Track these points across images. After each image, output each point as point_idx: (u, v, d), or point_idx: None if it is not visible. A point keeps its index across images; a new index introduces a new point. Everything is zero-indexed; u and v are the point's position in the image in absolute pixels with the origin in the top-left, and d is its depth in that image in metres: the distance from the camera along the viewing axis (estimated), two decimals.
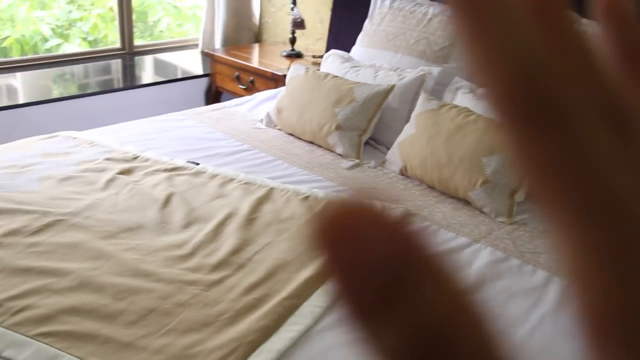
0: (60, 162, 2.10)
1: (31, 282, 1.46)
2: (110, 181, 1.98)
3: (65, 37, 5.67)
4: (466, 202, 1.98)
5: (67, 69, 3.71)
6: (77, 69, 3.72)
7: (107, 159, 2.13)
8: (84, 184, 1.97)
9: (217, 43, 3.96)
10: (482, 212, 1.93)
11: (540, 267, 1.65)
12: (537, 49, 0.15)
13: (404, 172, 2.17)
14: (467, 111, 2.09)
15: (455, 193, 1.99)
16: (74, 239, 1.65)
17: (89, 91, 3.37)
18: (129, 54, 3.95)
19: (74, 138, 2.31)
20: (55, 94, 3.33)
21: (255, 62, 3.43)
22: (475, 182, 1.92)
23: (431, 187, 2.08)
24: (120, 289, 1.46)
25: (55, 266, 1.52)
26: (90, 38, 5.69)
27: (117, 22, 3.93)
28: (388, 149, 2.35)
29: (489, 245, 1.74)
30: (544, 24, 0.16)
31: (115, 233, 1.70)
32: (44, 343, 1.27)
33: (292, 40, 3.53)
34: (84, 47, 5.48)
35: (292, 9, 3.44)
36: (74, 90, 3.38)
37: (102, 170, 2.05)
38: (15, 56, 4.05)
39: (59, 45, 5.53)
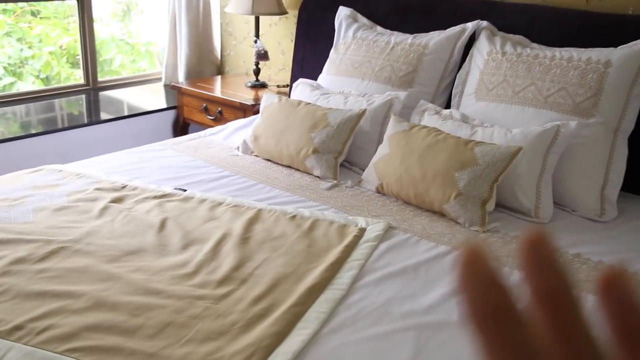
0: (51, 193, 2.17)
1: (48, 305, 1.54)
2: (104, 209, 2.06)
3: (18, 75, 5.69)
4: (442, 214, 2.13)
5: (31, 106, 3.75)
6: (40, 106, 3.76)
7: (97, 189, 2.21)
8: (79, 213, 2.04)
9: (181, 76, 4.06)
10: (457, 222, 2.09)
11: (517, 268, 1.80)
12: None
13: (380, 190, 2.31)
14: (436, 131, 2.26)
15: (431, 206, 2.15)
16: (80, 264, 1.73)
17: (58, 127, 3.41)
18: (93, 89, 4.01)
19: (60, 171, 2.38)
20: (22, 131, 3.37)
21: (220, 94, 3.55)
22: (449, 195, 2.08)
23: (407, 202, 2.23)
24: (134, 306, 1.54)
25: (68, 289, 1.60)
26: (43, 76, 5.72)
27: (80, 59, 3.99)
28: (362, 169, 2.50)
29: None
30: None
31: (118, 257, 1.78)
32: (73, 357, 1.35)
33: (257, 72, 3.66)
34: (38, 85, 5.50)
35: (256, 42, 3.58)
36: (41, 128, 3.42)
37: (94, 200, 2.13)
38: None
39: (12, 83, 5.55)
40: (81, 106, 3.86)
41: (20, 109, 3.70)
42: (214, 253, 1.82)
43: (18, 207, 2.05)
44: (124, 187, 2.25)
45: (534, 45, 2.47)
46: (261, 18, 3.68)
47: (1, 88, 5.34)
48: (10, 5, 5.23)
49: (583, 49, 2.32)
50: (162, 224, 1.98)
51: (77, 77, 5.69)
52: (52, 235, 1.87)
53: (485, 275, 0.26)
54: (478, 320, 0.26)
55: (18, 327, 1.44)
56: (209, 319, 1.51)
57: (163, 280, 1.67)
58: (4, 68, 5.48)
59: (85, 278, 1.66)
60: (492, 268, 0.26)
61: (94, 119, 3.56)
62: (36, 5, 5.55)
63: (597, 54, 2.26)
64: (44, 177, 2.32)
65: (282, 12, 3.53)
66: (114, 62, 5.93)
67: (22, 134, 3.27)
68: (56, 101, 3.85)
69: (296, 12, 3.49)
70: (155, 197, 2.18)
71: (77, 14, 3.96)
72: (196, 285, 1.66)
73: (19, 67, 5.59)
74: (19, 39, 5.79)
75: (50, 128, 3.38)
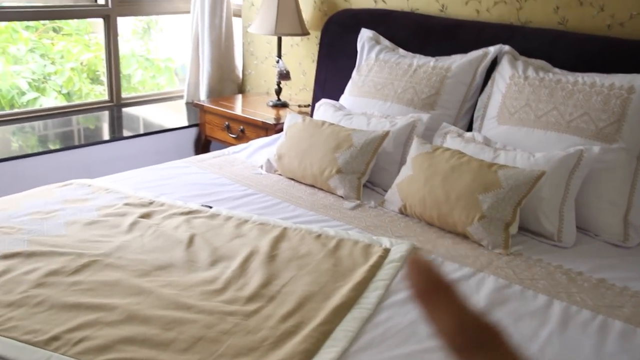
0: (81, 207, 2.21)
1: (82, 317, 1.57)
2: (134, 224, 2.10)
3: (41, 91, 5.78)
4: (465, 237, 2.16)
5: (55, 121, 3.81)
6: (64, 121, 3.83)
7: (126, 204, 2.26)
8: (109, 227, 2.09)
9: (202, 94, 4.12)
10: (480, 245, 2.11)
11: (540, 291, 1.83)
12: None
13: (403, 211, 2.34)
14: (460, 153, 2.29)
15: (454, 228, 2.17)
16: (112, 278, 1.76)
17: (82, 142, 3.47)
18: (116, 105, 4.07)
19: (89, 185, 2.43)
20: (47, 146, 3.43)
21: (242, 112, 3.60)
22: (472, 217, 2.11)
23: (430, 224, 2.26)
24: (166, 320, 1.58)
25: (101, 302, 1.64)
26: (65, 91, 5.81)
27: (105, 76, 4.05)
28: (384, 190, 2.53)
29: (491, 274, 1.92)
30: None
31: (148, 271, 1.82)
32: None
33: (278, 91, 3.71)
34: (61, 100, 5.59)
35: (278, 62, 3.64)
36: (65, 143, 3.48)
37: (123, 215, 2.17)
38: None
39: (35, 98, 5.64)
40: (105, 122, 3.92)
41: (45, 124, 3.77)
42: (242, 270, 1.86)
43: (50, 220, 2.10)
44: (151, 202, 2.30)
45: (556, 70, 2.51)
46: (283, 38, 3.74)
47: (25, 103, 5.44)
48: (33, 22, 5.32)
49: (606, 75, 2.35)
50: (190, 240, 2.02)
51: (97, 92, 5.78)
52: (84, 248, 1.91)
53: (426, 269, 0.40)
54: (419, 296, 0.39)
55: (55, 338, 1.48)
56: (239, 334, 1.54)
57: (193, 296, 1.70)
58: (28, 83, 5.58)
59: (117, 291, 1.70)
60: (433, 266, 0.40)
61: (117, 135, 3.62)
62: (58, 22, 5.65)
63: (620, 79, 2.29)
64: (73, 191, 2.37)
65: (305, 33, 3.58)
66: (133, 77, 6.03)
67: (47, 149, 3.32)
68: (80, 117, 3.91)
69: (318, 34, 3.55)
70: (182, 214, 2.22)
71: (102, 32, 4.02)
72: (225, 301, 1.69)
73: (43, 83, 5.69)
74: (42, 55, 5.89)
75: (74, 144, 3.44)
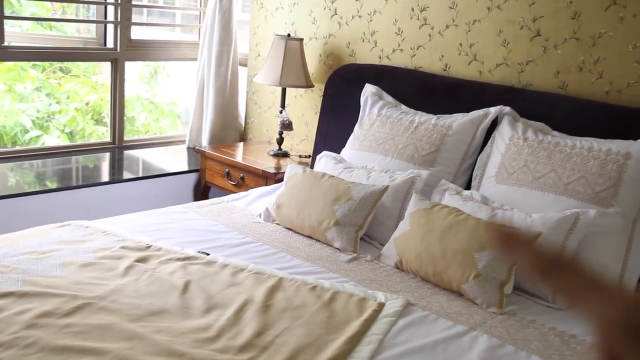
0: (77, 249, 2.22)
1: None
2: (129, 268, 2.11)
3: (44, 129, 5.84)
4: (459, 294, 2.16)
5: (56, 160, 3.84)
6: (65, 161, 3.85)
7: (123, 247, 2.26)
8: (104, 270, 2.09)
9: (204, 140, 4.16)
10: (474, 303, 2.11)
11: (533, 353, 1.82)
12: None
13: (399, 266, 2.35)
14: (457, 211, 2.31)
15: (449, 285, 2.17)
16: (105, 321, 1.76)
17: (82, 183, 3.49)
18: (118, 147, 4.11)
19: (87, 227, 2.44)
20: (47, 185, 3.45)
21: (243, 160, 3.63)
22: (468, 275, 2.11)
23: (426, 280, 2.26)
24: None
25: (93, 345, 1.63)
26: (68, 130, 5.87)
27: (109, 118, 4.10)
28: (381, 244, 2.54)
29: (484, 333, 1.91)
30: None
31: (142, 316, 1.81)
32: None
33: (280, 141, 3.75)
34: (63, 139, 5.64)
35: (281, 112, 3.69)
36: (65, 183, 3.50)
37: (119, 258, 2.18)
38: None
39: (38, 136, 5.69)
40: (106, 164, 3.95)
41: (46, 162, 3.79)
42: (236, 319, 1.85)
43: (45, 260, 2.10)
44: (148, 247, 2.30)
45: (555, 133, 2.55)
46: (287, 89, 3.80)
47: (28, 140, 5.48)
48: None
49: (603, 140, 2.38)
50: (186, 287, 2.02)
51: (100, 133, 5.83)
52: (78, 290, 1.91)
53: (524, 244, 0.51)
54: (540, 275, 0.48)
55: None
56: None
57: (186, 343, 1.69)
58: (32, 121, 5.63)
59: (109, 335, 1.69)
60: (524, 237, 0.51)
61: (117, 177, 3.64)
62: (68, 63, 5.74)
63: (617, 145, 2.32)
64: (71, 232, 2.38)
65: (309, 85, 3.64)
66: (137, 120, 6.09)
67: (47, 188, 3.34)
68: (82, 157, 3.94)
69: (322, 86, 3.61)
70: (179, 259, 2.22)
71: (109, 73, 4.08)
72: (218, 350, 1.68)
73: (47, 121, 5.75)
74: (48, 94, 5.97)
75: (75, 184, 3.46)
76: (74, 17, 5.73)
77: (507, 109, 2.71)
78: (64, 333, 1.69)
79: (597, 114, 2.54)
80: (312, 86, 3.70)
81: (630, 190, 2.24)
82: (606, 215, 2.21)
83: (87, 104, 6.01)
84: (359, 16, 3.54)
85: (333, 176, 2.68)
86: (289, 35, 3.70)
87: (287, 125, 3.66)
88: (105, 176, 3.76)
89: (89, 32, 5.32)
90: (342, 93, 3.34)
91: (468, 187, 2.69)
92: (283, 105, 3.74)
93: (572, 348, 1.87)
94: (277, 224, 2.70)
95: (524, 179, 2.44)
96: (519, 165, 2.48)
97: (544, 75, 2.84)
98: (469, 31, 3.08)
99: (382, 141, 2.87)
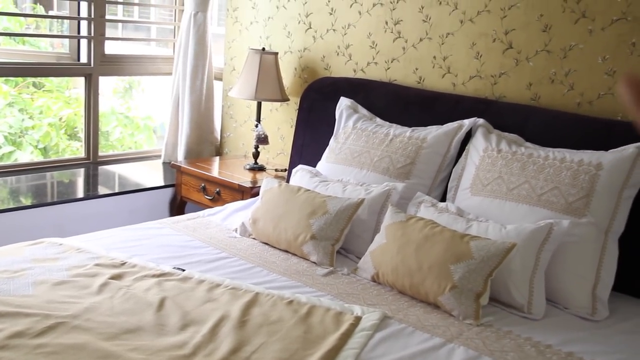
0: (50, 267, 2.19)
1: None
2: (104, 285, 2.08)
3: (17, 145, 5.77)
4: (436, 306, 2.16)
5: (30, 177, 3.79)
6: (39, 177, 3.81)
7: (97, 265, 2.23)
8: (78, 288, 2.06)
9: (180, 155, 4.14)
10: (451, 315, 2.11)
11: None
12: None
13: (375, 279, 2.35)
14: (433, 223, 2.32)
15: (425, 298, 2.18)
16: (78, 340, 1.73)
17: (56, 199, 3.45)
18: (93, 163, 4.07)
19: (60, 244, 2.41)
20: (20, 202, 3.41)
21: (219, 175, 3.62)
22: (444, 287, 2.12)
23: (402, 293, 2.26)
24: None
25: None
26: (41, 146, 5.81)
27: (83, 134, 4.07)
28: (358, 257, 2.54)
29: (461, 344, 1.92)
30: None
31: (116, 334, 1.79)
32: None
33: (256, 155, 3.75)
34: (37, 155, 5.58)
35: (256, 126, 3.68)
36: (39, 199, 3.46)
37: (93, 275, 2.15)
38: None
39: (11, 152, 5.62)
40: (81, 179, 3.91)
41: (20, 179, 3.74)
42: (212, 335, 1.84)
43: (18, 279, 2.07)
44: (123, 263, 2.28)
45: (528, 144, 2.57)
46: (263, 103, 3.80)
47: (1, 157, 5.41)
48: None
49: (575, 151, 2.41)
50: (161, 303, 2.00)
51: (74, 148, 5.78)
52: (51, 309, 1.88)
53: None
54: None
55: None
56: None
57: None
58: (5, 137, 5.56)
59: (83, 355, 1.67)
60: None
61: (92, 193, 3.60)
62: (41, 78, 5.68)
63: (588, 156, 2.35)
64: (44, 250, 2.35)
65: (284, 99, 3.65)
66: (112, 134, 6.05)
67: (20, 205, 3.30)
68: (56, 173, 3.90)
69: (297, 100, 3.61)
70: (154, 276, 2.20)
71: (83, 87, 4.05)
72: None
73: (19, 137, 5.68)
74: (20, 110, 5.90)
75: (49, 200, 3.42)
76: (47, 32, 5.68)
77: (481, 121, 2.73)
78: (36, 354, 1.66)
79: (569, 125, 2.57)
80: (288, 100, 3.70)
81: (602, 200, 2.26)
82: (579, 226, 2.24)
83: (60, 119, 5.95)
84: (334, 30, 3.56)
85: (309, 190, 2.68)
86: (263, 49, 3.71)
87: (262, 139, 3.66)
88: (80, 192, 3.72)
89: (63, 46, 5.29)
90: (317, 106, 3.35)
91: (443, 199, 2.71)
92: (259, 119, 3.74)
93: (548, 358, 1.88)
94: (254, 238, 2.69)
95: (498, 190, 2.46)
96: (493, 177, 2.50)
97: (516, 87, 2.87)
98: (443, 44, 3.11)
99: (358, 154, 2.88)
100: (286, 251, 2.58)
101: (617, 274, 2.26)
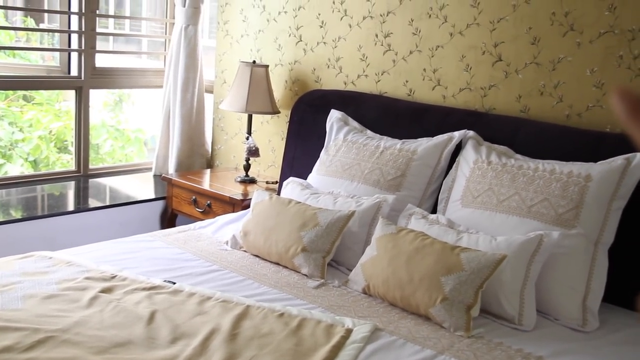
0: (40, 281, 2.18)
1: None
2: (94, 299, 2.07)
3: (7, 158, 5.75)
4: (427, 318, 2.16)
5: (20, 190, 3.78)
6: (29, 190, 3.80)
7: (87, 278, 2.22)
8: (68, 302, 2.05)
9: (171, 168, 4.14)
10: (442, 326, 2.11)
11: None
12: None
13: (366, 291, 2.35)
14: (423, 235, 2.32)
15: (416, 310, 2.18)
16: (68, 355, 1.72)
17: (46, 213, 3.44)
18: (83, 176, 4.06)
19: (50, 258, 2.39)
20: (10, 215, 3.39)
21: (210, 187, 3.61)
22: (435, 299, 2.12)
23: (393, 305, 2.26)
24: None
25: None
26: (32, 159, 5.78)
27: (73, 147, 4.06)
28: (349, 269, 2.54)
29: (452, 356, 1.91)
30: None
31: (106, 348, 1.78)
32: None
33: (247, 167, 3.75)
34: (27, 168, 5.56)
35: (247, 138, 3.69)
36: (28, 213, 3.44)
37: (83, 289, 2.14)
38: None
39: (1, 165, 5.59)
40: (71, 192, 3.90)
41: (10, 192, 3.73)
42: (203, 348, 1.83)
43: (7, 293, 2.06)
44: (113, 277, 2.27)
45: (518, 156, 2.59)
46: (254, 115, 3.80)
47: None
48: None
49: (564, 162, 2.43)
50: (151, 317, 1.99)
51: (64, 161, 5.76)
52: (41, 323, 1.87)
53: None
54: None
55: None
56: None
57: None
58: None
59: None
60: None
61: (82, 206, 3.59)
62: (31, 91, 5.68)
63: (578, 167, 2.37)
64: (34, 263, 2.34)
65: (275, 111, 3.65)
66: (102, 147, 6.03)
67: (10, 218, 3.28)
68: (46, 186, 3.88)
69: (288, 112, 3.62)
70: (144, 289, 2.19)
71: (73, 100, 4.04)
72: None
73: (9, 150, 5.66)
74: (10, 123, 5.88)
75: (39, 213, 3.40)
76: (38, 45, 5.67)
77: (471, 133, 2.74)
78: None
79: (558, 137, 2.58)
80: (279, 112, 3.71)
81: (591, 211, 2.28)
82: (569, 237, 2.25)
83: (50, 132, 5.94)
84: (324, 43, 3.58)
85: (300, 202, 2.68)
86: (254, 62, 3.72)
87: (253, 152, 3.66)
88: (70, 205, 3.70)
89: (54, 59, 5.28)
90: (308, 119, 3.35)
91: (434, 211, 2.71)
92: (249, 132, 3.75)
93: None
94: (244, 251, 2.69)
95: (488, 202, 2.47)
96: (484, 189, 2.51)
97: (506, 100, 2.89)
98: (432, 57, 3.13)
99: (348, 166, 2.89)
100: (277, 264, 2.58)
101: (607, 285, 2.27)
